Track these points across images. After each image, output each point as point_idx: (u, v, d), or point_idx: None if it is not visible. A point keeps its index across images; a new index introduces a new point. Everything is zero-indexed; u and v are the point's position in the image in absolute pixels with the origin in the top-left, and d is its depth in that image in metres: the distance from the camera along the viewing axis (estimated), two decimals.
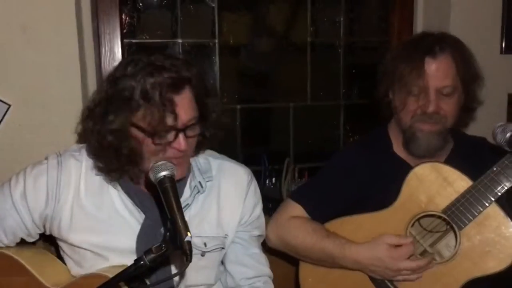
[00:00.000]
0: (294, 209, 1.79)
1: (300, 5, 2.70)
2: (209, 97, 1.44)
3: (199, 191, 1.53)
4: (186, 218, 1.45)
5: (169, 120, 1.31)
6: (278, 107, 2.80)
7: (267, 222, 1.78)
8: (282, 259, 1.93)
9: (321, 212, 1.77)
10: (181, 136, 1.34)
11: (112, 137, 1.36)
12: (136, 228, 1.46)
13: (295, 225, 1.74)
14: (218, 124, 1.49)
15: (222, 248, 1.58)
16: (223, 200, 1.56)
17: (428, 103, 1.60)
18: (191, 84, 1.36)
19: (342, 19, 2.75)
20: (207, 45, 2.57)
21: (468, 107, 1.73)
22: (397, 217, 1.64)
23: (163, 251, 1.17)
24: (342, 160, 1.83)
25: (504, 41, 2.58)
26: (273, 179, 2.57)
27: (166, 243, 1.19)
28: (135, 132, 1.35)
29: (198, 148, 1.51)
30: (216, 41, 2.56)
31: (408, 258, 1.58)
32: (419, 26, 2.73)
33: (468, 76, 1.66)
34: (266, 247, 1.83)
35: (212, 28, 2.56)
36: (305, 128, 2.81)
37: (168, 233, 1.22)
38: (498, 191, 1.48)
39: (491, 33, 2.58)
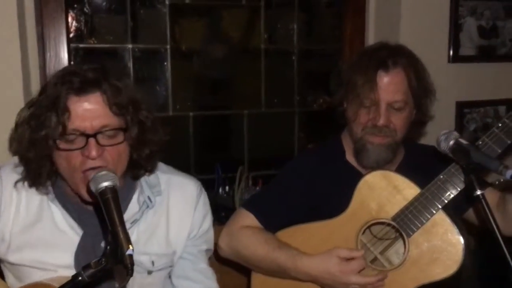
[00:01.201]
0: (246, 219, 1.76)
1: (254, 12, 2.69)
2: (132, 107, 1.36)
3: (148, 206, 1.47)
4: (134, 235, 1.43)
5: (73, 124, 1.27)
6: (232, 114, 2.78)
7: (220, 231, 1.75)
8: (234, 269, 1.90)
9: (274, 221, 1.75)
10: (91, 142, 1.28)
11: (32, 148, 1.31)
12: (76, 244, 1.40)
13: (247, 235, 1.71)
14: (151, 140, 1.41)
15: (170, 266, 1.54)
16: (172, 215, 1.52)
17: (378, 116, 1.61)
18: (102, 89, 1.31)
19: (295, 26, 2.75)
20: (158, 50, 2.52)
21: (419, 121, 1.75)
22: (349, 225, 1.64)
23: (102, 265, 1.12)
24: (295, 168, 1.81)
25: (451, 50, 2.65)
26: (227, 188, 2.53)
27: (107, 257, 1.13)
28: (49, 141, 1.30)
29: (138, 169, 1.45)
30: (168, 47, 2.51)
31: (360, 271, 1.57)
32: (371, 34, 2.78)
33: (420, 91, 1.67)
34: (218, 257, 1.80)
35: (164, 33, 2.51)
36: (260, 136, 2.79)
37: (108, 247, 1.16)
38: (445, 198, 1.51)
39: (439, 42, 2.65)
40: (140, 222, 1.46)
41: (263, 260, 1.68)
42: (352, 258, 1.58)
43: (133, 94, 1.37)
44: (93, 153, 1.28)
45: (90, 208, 1.43)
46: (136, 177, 1.47)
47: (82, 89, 1.29)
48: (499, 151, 1.44)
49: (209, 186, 2.62)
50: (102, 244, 1.40)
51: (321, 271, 1.59)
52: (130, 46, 2.46)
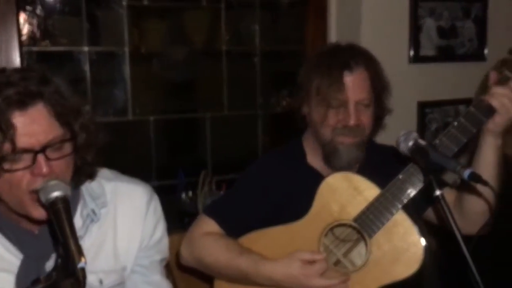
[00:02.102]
0: (207, 225, 1.72)
1: (215, 14, 2.66)
2: (77, 113, 1.28)
3: (92, 220, 1.38)
4: None
5: (19, 141, 1.16)
6: (195, 117, 2.73)
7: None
8: (196, 277, 1.86)
9: (236, 226, 1.71)
10: (40, 159, 1.19)
11: None
12: (17, 268, 1.31)
13: (208, 242, 1.67)
14: (92, 143, 1.33)
15: (121, 282, 1.45)
16: (120, 227, 1.42)
17: (348, 116, 1.61)
18: (45, 100, 1.21)
19: (257, 27, 2.73)
20: (116, 53, 2.45)
21: (379, 117, 1.77)
22: (311, 228, 1.62)
23: (53, 279, 1.05)
24: (255, 172, 1.79)
25: (412, 51, 2.68)
26: (190, 193, 2.48)
27: (57, 271, 1.07)
28: None
29: (81, 176, 1.36)
30: (126, 49, 2.45)
31: (322, 273, 1.56)
32: (333, 35, 2.78)
33: (380, 88, 1.70)
34: (180, 265, 1.76)
35: (122, 35, 2.45)
36: (223, 139, 2.76)
37: (59, 260, 1.09)
38: (405, 198, 1.50)
39: (399, 43, 2.68)
40: (84, 239, 1.35)
41: (225, 267, 1.64)
42: (314, 261, 1.56)
43: (74, 98, 1.29)
44: (44, 170, 1.18)
45: (35, 230, 1.33)
46: (79, 184, 1.38)
47: (23, 103, 1.17)
48: (456, 149, 1.45)
49: (171, 192, 2.59)
50: (46, 267, 1.31)
51: (284, 275, 1.56)
52: (86, 49, 2.39)
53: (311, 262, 1.56)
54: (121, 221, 1.43)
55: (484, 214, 1.53)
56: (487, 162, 1.51)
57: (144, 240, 1.47)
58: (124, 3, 2.42)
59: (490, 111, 1.43)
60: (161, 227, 1.53)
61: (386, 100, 1.76)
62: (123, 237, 1.43)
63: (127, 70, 2.47)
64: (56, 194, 1.13)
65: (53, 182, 1.16)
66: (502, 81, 1.46)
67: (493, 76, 1.50)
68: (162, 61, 2.62)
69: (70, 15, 2.38)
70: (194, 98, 2.77)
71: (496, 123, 1.46)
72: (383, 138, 1.95)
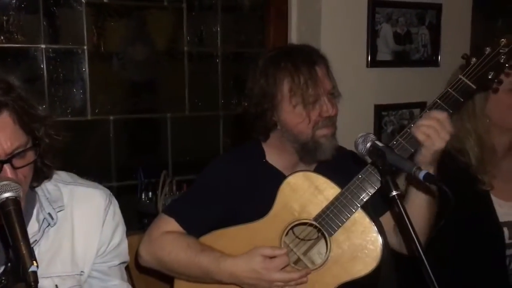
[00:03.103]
0: (167, 224, 1.70)
1: (176, 14, 2.65)
2: (41, 120, 1.27)
3: (49, 224, 1.35)
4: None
5: None
6: (155, 118, 2.71)
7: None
8: (156, 278, 1.83)
9: (196, 225, 1.71)
10: (6, 168, 1.17)
11: None
12: None
13: (168, 240, 1.66)
14: (55, 145, 1.31)
15: (79, 287, 1.42)
16: (77, 231, 1.40)
17: (327, 107, 1.63)
18: (9, 108, 1.20)
19: (219, 29, 2.74)
20: (75, 52, 2.40)
21: None
22: (272, 227, 1.64)
23: (2, 284, 1.02)
24: (216, 171, 1.78)
25: (369, 55, 2.76)
26: (150, 193, 2.46)
27: (7, 275, 1.04)
28: None
29: (40, 177, 1.34)
30: (85, 47, 2.40)
31: (283, 268, 1.58)
32: (293, 39, 2.82)
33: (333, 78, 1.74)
34: (139, 266, 1.73)
35: (81, 34, 2.40)
36: (184, 140, 2.75)
37: (9, 264, 1.06)
38: (364, 197, 1.54)
39: (357, 48, 2.75)
40: (40, 243, 1.32)
41: (186, 266, 1.63)
42: (275, 256, 1.57)
43: (35, 103, 1.27)
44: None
45: None
46: (36, 185, 1.35)
47: None
48: (412, 150, 1.49)
49: (131, 192, 2.56)
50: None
51: (245, 270, 1.57)
52: (43, 46, 2.32)
53: (272, 257, 1.57)
54: (79, 225, 1.40)
55: (424, 230, 1.59)
56: (419, 192, 1.58)
57: (103, 246, 1.45)
58: (84, 0, 2.37)
59: (417, 143, 1.48)
60: (120, 231, 1.50)
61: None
62: (81, 242, 1.40)
63: (86, 69, 2.42)
64: (6, 195, 1.10)
65: (3, 183, 1.13)
66: (434, 107, 1.49)
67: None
68: (123, 61, 2.58)
69: (27, 12, 2.31)
70: (155, 98, 2.75)
71: (423, 155, 1.50)
72: (342, 139, 1.99)
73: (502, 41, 1.44)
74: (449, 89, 1.48)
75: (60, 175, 1.43)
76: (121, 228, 1.51)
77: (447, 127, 1.47)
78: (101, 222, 1.44)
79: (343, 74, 1.77)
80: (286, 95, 1.63)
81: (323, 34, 2.65)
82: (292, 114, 1.65)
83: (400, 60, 2.83)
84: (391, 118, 2.86)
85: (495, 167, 1.88)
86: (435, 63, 2.91)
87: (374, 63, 2.77)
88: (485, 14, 3.02)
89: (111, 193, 1.50)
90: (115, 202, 1.50)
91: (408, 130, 1.50)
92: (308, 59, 1.64)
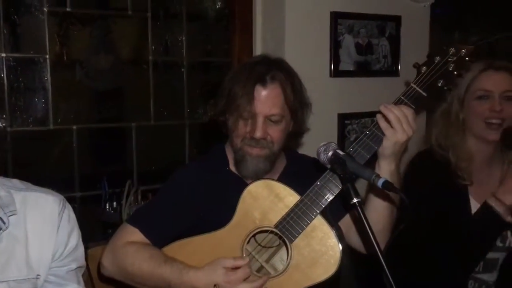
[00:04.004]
0: (131, 234, 1.70)
1: (141, 23, 2.65)
2: None
3: (1, 228, 1.34)
4: None
5: None
6: (120, 127, 2.69)
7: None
8: None
9: (161, 235, 1.71)
10: None
11: None
12: None
13: (131, 251, 1.65)
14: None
15: None
16: (31, 235, 1.39)
17: (255, 129, 1.66)
18: None
19: (184, 38, 2.75)
20: (36, 60, 2.37)
21: (296, 132, 1.82)
22: (234, 235, 1.65)
23: None
24: (180, 179, 1.79)
25: (332, 65, 2.82)
26: (114, 203, 2.44)
27: None
28: None
29: None
30: (47, 56, 2.37)
31: (246, 279, 1.59)
32: (258, 49, 2.86)
33: (296, 105, 1.73)
34: (101, 276, 1.72)
35: (43, 42, 2.37)
36: (149, 149, 2.74)
37: None
38: (322, 203, 1.57)
39: (321, 58, 2.80)
40: None
41: (149, 277, 1.63)
42: (238, 267, 1.59)
43: None
44: None
45: None
46: None
47: None
48: (368, 156, 1.53)
49: (96, 202, 2.54)
50: None
51: (207, 283, 1.57)
52: (3, 55, 2.29)
53: (234, 269, 1.59)
54: (32, 230, 1.39)
55: (384, 231, 1.63)
56: (380, 196, 1.61)
57: (59, 250, 1.44)
58: (45, 9, 2.35)
59: (373, 149, 1.52)
60: (76, 235, 1.50)
61: (304, 117, 1.78)
62: (35, 246, 1.39)
63: (48, 77, 2.39)
64: None
65: None
66: (397, 103, 1.53)
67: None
68: (86, 69, 2.56)
69: None
70: (119, 108, 2.74)
71: (383, 146, 1.53)
72: (306, 148, 2.03)
73: (451, 50, 1.49)
74: (401, 97, 1.54)
75: (13, 182, 1.42)
76: (77, 232, 1.51)
77: (411, 123, 1.50)
78: (56, 226, 1.43)
79: (307, 83, 1.81)
80: (230, 102, 1.69)
81: (287, 44, 2.70)
82: (231, 120, 1.72)
83: (362, 70, 2.90)
84: (354, 127, 2.92)
85: (470, 166, 1.92)
86: (395, 73, 2.99)
87: (337, 73, 2.82)
88: (443, 27, 3.13)
89: (65, 198, 1.50)
90: (69, 207, 1.49)
91: (364, 138, 1.54)
92: (259, 76, 1.66)
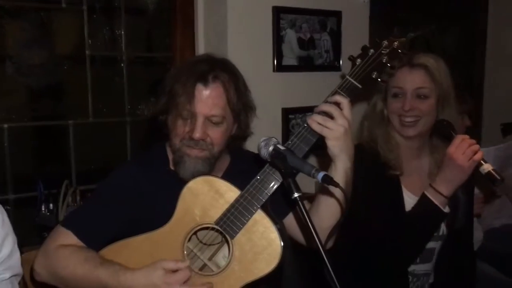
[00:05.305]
0: (64, 237, 1.63)
1: (76, 16, 2.54)
2: None
3: None
4: None
5: None
6: (56, 125, 2.57)
7: None
8: None
9: (97, 237, 1.64)
10: None
11: None
12: None
13: (65, 254, 1.58)
14: None
15: None
16: None
17: (194, 129, 1.61)
18: None
19: (123, 32, 2.67)
20: None
21: (239, 136, 1.77)
22: (174, 234, 1.61)
23: None
24: (116, 179, 1.73)
25: (275, 60, 2.82)
26: (51, 205, 2.33)
27: None
28: None
29: None
30: None
31: (186, 281, 1.55)
32: (201, 44, 2.82)
33: (240, 107, 1.68)
34: (35, 282, 1.65)
35: None
36: (88, 147, 2.64)
37: None
38: (263, 197, 1.55)
39: (264, 53, 2.79)
40: None
41: (84, 281, 1.56)
42: (178, 270, 1.54)
43: None
44: None
45: None
46: None
47: None
48: (307, 149, 1.53)
49: (31, 205, 2.42)
50: None
51: (146, 285, 1.52)
52: None
53: (174, 271, 1.54)
54: None
55: (337, 228, 1.61)
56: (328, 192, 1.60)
57: None
58: None
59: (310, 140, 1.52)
60: (10, 242, 1.42)
61: (248, 121, 1.74)
62: None
63: None
64: None
65: None
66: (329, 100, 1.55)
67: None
68: (18, 65, 2.43)
69: None
70: (55, 105, 2.62)
71: (327, 147, 1.52)
72: (252, 143, 2.01)
73: (384, 42, 1.52)
74: (337, 89, 1.55)
75: None
76: (11, 238, 1.43)
77: (346, 113, 1.50)
78: None
79: (250, 78, 1.77)
80: (170, 100, 1.64)
81: (230, 39, 2.67)
82: (170, 119, 1.67)
83: (305, 64, 2.91)
84: (298, 121, 2.93)
85: (402, 162, 1.95)
86: (337, 68, 3.03)
87: (280, 67, 2.83)
88: (382, 22, 3.20)
89: None
90: (2, 211, 1.41)
91: (302, 130, 1.54)
92: (200, 75, 1.61)
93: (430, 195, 1.83)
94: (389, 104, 1.96)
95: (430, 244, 1.97)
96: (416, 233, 1.87)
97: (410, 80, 1.91)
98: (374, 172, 1.93)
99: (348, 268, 1.98)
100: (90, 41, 2.57)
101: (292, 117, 2.91)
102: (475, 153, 1.75)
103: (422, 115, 1.92)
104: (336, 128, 1.49)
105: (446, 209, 1.84)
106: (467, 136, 1.79)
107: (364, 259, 1.97)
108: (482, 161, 1.76)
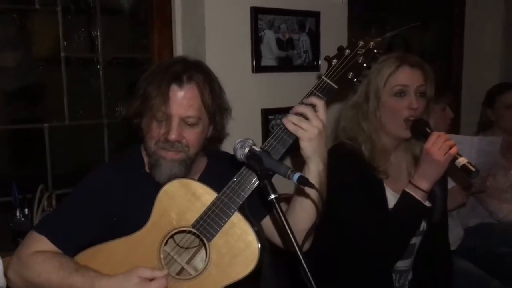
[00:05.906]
0: (38, 243, 1.60)
1: (50, 17, 2.49)
2: None
3: None
4: None
5: None
6: (31, 128, 2.52)
7: None
8: None
9: (71, 243, 1.61)
10: None
11: None
12: None
13: (39, 260, 1.55)
14: None
15: None
16: None
17: (169, 130, 1.59)
18: None
19: (99, 33, 2.63)
20: None
21: (215, 138, 1.76)
22: (150, 238, 1.59)
23: None
24: (91, 182, 1.70)
25: (254, 61, 2.80)
26: (26, 210, 2.28)
27: None
28: None
29: None
30: None
31: None
32: (179, 45, 2.79)
33: (215, 109, 1.67)
34: None
35: None
36: (65, 151, 2.59)
37: None
38: (240, 200, 1.54)
39: (242, 53, 2.77)
40: None
41: (58, 287, 1.53)
42: (154, 278, 1.52)
43: None
44: None
45: None
46: None
47: None
48: (283, 150, 1.53)
49: (5, 210, 2.36)
50: None
51: None
52: None
53: (151, 279, 1.51)
54: None
55: (305, 231, 1.60)
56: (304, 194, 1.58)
57: None
58: None
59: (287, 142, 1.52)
60: None
61: (224, 123, 1.73)
62: None
63: None
64: None
65: None
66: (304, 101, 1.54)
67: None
68: None
69: None
70: (30, 108, 2.56)
71: (301, 148, 1.51)
72: (229, 144, 1.99)
73: (360, 43, 1.52)
74: (313, 90, 1.55)
75: None
76: None
77: (321, 114, 1.50)
78: None
79: (229, 79, 1.77)
80: (144, 102, 1.62)
81: (208, 40, 2.65)
82: (144, 121, 1.65)
83: (284, 65, 2.90)
84: (278, 122, 2.92)
85: (386, 162, 1.97)
86: (316, 68, 3.02)
87: (259, 68, 2.81)
88: (360, 22, 3.22)
89: None
90: None
91: (279, 132, 1.54)
92: (175, 76, 1.59)
93: (411, 191, 1.84)
94: (390, 105, 1.94)
95: (412, 240, 1.98)
96: (401, 229, 1.89)
97: (413, 77, 1.93)
98: (357, 171, 1.93)
99: (333, 269, 1.99)
100: (65, 42, 2.52)
101: (272, 118, 2.90)
102: (451, 147, 1.77)
103: (421, 114, 1.94)
104: (310, 129, 1.48)
105: (427, 203, 1.86)
106: (442, 133, 1.82)
107: (349, 259, 1.98)
108: (457, 155, 1.78)
